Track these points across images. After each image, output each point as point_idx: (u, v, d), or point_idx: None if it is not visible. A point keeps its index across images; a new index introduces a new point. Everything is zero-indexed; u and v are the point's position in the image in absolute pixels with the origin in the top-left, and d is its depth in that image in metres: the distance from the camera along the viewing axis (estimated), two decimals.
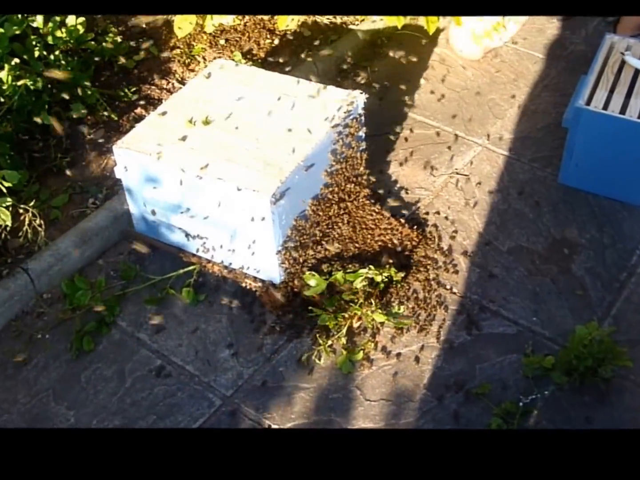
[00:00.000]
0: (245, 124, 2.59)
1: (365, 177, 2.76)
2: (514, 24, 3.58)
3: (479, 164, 3.14)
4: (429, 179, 3.08)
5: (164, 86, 3.25)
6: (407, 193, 3.03)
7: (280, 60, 3.28)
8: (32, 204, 2.75)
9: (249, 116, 2.62)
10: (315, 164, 2.51)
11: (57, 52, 3.00)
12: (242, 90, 2.73)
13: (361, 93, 2.68)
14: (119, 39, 3.21)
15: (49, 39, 3.00)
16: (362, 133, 2.71)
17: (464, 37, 3.57)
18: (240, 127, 2.58)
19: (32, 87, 2.88)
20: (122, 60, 3.19)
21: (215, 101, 2.69)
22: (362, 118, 2.70)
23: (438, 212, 2.95)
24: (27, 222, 2.72)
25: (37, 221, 2.73)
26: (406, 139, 3.25)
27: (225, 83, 2.77)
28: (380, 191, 2.96)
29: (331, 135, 2.57)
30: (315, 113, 2.61)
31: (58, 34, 3.06)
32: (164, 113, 2.66)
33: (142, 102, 3.18)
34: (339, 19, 3.66)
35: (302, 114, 2.61)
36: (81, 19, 3.15)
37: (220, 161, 2.46)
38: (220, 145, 2.52)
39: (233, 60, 3.29)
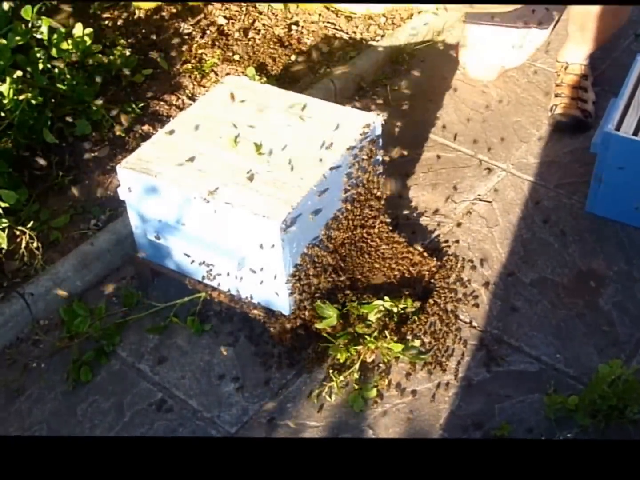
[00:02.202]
0: (255, 145, 2.46)
1: (382, 202, 2.62)
2: (531, 44, 3.43)
3: (502, 190, 2.99)
4: (450, 206, 2.94)
5: (174, 102, 3.12)
6: (426, 220, 2.89)
7: (297, 77, 3.15)
8: (31, 224, 2.61)
9: (260, 137, 2.48)
10: (329, 189, 2.37)
11: (62, 65, 2.87)
12: (254, 109, 2.59)
13: (379, 114, 2.54)
14: (127, 52, 3.07)
15: (54, 52, 2.87)
16: (379, 156, 2.57)
17: (476, 58, 3.43)
18: (251, 148, 2.44)
19: (34, 102, 2.75)
20: (128, 72, 3.06)
21: (226, 120, 2.55)
22: (380, 140, 2.56)
23: (458, 241, 2.80)
24: (24, 244, 2.58)
25: (35, 243, 2.59)
26: (427, 163, 3.11)
27: (238, 101, 2.63)
28: (399, 217, 2.82)
29: (347, 159, 2.43)
30: (331, 135, 2.47)
31: (64, 45, 2.93)
32: (171, 132, 2.53)
33: (150, 119, 3.03)
34: (358, 34, 3.52)
35: (317, 135, 2.47)
36: (88, 30, 3.03)
37: (229, 184, 2.32)
38: (229, 167, 2.38)
39: (246, 75, 3.15)
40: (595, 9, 3.02)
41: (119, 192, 2.49)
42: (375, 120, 2.52)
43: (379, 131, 2.54)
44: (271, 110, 2.58)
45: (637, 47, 3.58)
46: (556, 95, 3.31)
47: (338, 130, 2.48)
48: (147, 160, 2.43)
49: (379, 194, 2.59)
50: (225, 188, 2.31)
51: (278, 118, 2.55)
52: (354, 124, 2.50)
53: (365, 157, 2.49)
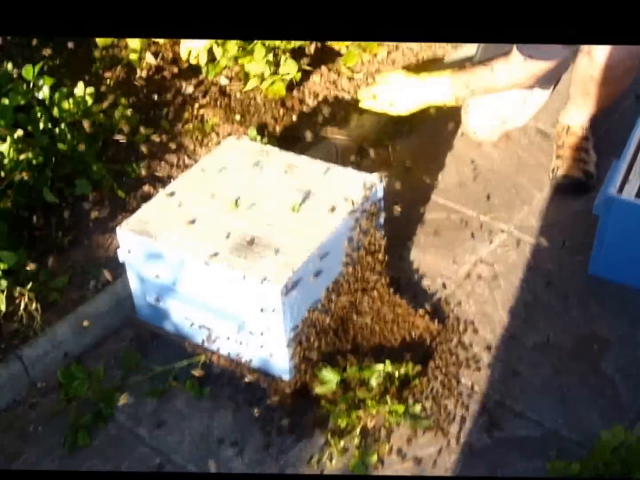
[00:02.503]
0: (257, 208, 2.45)
1: (384, 264, 2.60)
2: (532, 105, 3.42)
3: (504, 252, 2.98)
4: (451, 267, 2.92)
5: (175, 162, 3.11)
6: (428, 282, 2.87)
7: (298, 137, 3.15)
8: (29, 285, 2.59)
9: (261, 199, 2.47)
10: (330, 252, 2.35)
11: (62, 125, 2.87)
12: (255, 170, 2.59)
13: (381, 176, 2.53)
14: (129, 112, 3.06)
15: (55, 111, 2.86)
16: (381, 218, 2.56)
17: (477, 119, 3.42)
18: (252, 210, 2.43)
19: (34, 162, 2.74)
20: (129, 132, 3.05)
21: (227, 182, 2.55)
22: (382, 203, 2.55)
23: (460, 303, 2.78)
24: (22, 305, 2.56)
25: (34, 305, 2.57)
26: (429, 224, 3.10)
27: (238, 162, 2.63)
28: (400, 279, 2.80)
29: (349, 221, 2.41)
30: (333, 197, 2.46)
31: (65, 105, 2.93)
32: (172, 193, 2.52)
33: (150, 179, 3.03)
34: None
35: (318, 197, 2.47)
36: (90, 90, 3.03)
37: (230, 248, 2.31)
38: (229, 230, 2.37)
39: (247, 136, 3.14)
40: (598, 74, 3.02)
41: (119, 254, 2.47)
42: (377, 181, 2.51)
43: (381, 193, 2.53)
44: (272, 172, 2.58)
45: (638, 108, 3.57)
46: (558, 157, 3.31)
47: (340, 192, 2.47)
48: (147, 221, 2.42)
49: (380, 256, 2.57)
50: (226, 251, 2.29)
51: (279, 180, 2.54)
52: (356, 186, 2.49)
53: (367, 219, 2.47)
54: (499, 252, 2.98)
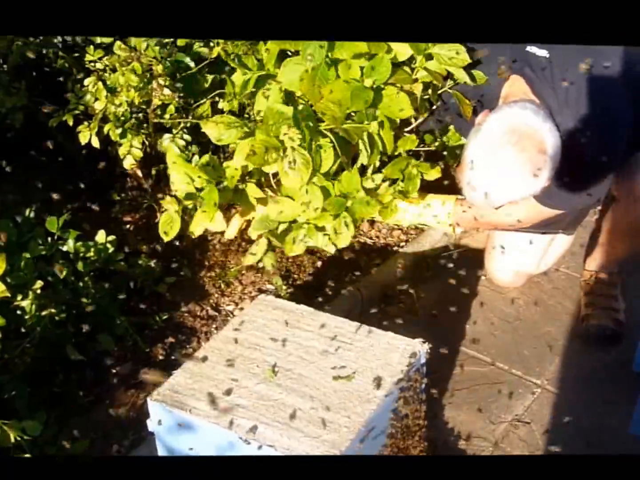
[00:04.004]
0: (295, 376, 2.34)
1: (423, 430, 2.49)
2: (556, 249, 3.34)
3: (540, 408, 2.87)
4: (487, 427, 2.80)
5: (198, 313, 3.01)
6: (464, 443, 2.75)
7: (322, 285, 3.06)
8: (48, 450, 2.45)
9: (298, 366, 2.37)
10: (375, 426, 2.24)
11: (86, 278, 2.77)
12: (290, 333, 2.49)
13: (424, 342, 2.44)
14: (152, 263, 2.97)
15: (80, 266, 2.77)
16: (423, 385, 2.45)
17: (501, 264, 3.35)
18: (290, 379, 2.33)
19: (57, 318, 2.63)
20: (151, 282, 2.96)
21: (261, 346, 2.44)
22: (424, 369, 2.45)
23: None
24: None
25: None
26: (460, 378, 2.99)
27: (272, 324, 2.53)
28: (436, 441, 2.68)
29: (395, 392, 2.31)
30: (374, 365, 2.36)
31: (87, 254, 2.84)
32: (204, 359, 2.41)
33: (173, 331, 2.92)
34: (382, 239, 3.46)
35: (359, 366, 2.37)
36: (111, 237, 2.94)
37: (270, 423, 2.19)
38: (269, 402, 2.26)
39: (272, 284, 3.06)
40: (624, 229, 2.96)
41: (148, 424, 2.36)
42: (420, 347, 2.41)
43: (423, 359, 2.43)
44: (309, 336, 2.48)
45: None
46: (586, 305, 3.23)
47: (382, 360, 2.37)
48: (179, 391, 2.31)
49: (421, 422, 2.46)
50: (266, 427, 2.18)
51: (316, 345, 2.45)
52: (398, 353, 2.40)
53: (411, 389, 2.37)
54: (534, 409, 2.87)
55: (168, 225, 2.71)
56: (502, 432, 2.80)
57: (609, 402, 2.89)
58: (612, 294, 3.23)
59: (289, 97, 2.74)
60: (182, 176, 2.67)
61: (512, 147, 2.54)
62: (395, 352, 2.40)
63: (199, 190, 2.66)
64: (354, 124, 2.65)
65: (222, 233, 3.15)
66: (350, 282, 3.21)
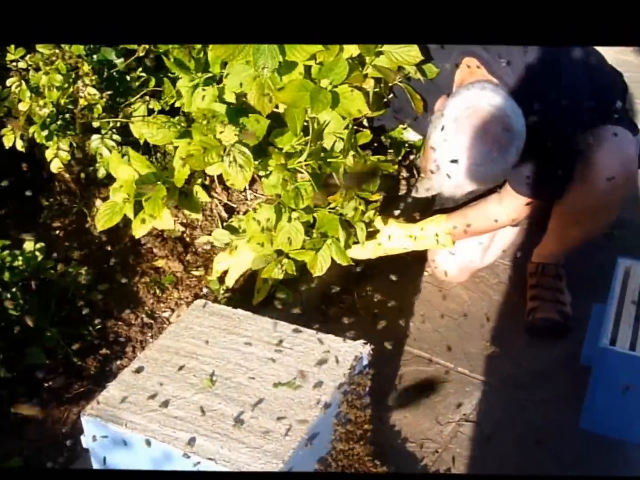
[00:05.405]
0: (234, 385, 2.25)
1: (369, 434, 2.41)
2: (500, 241, 3.29)
3: (488, 407, 2.81)
4: (435, 428, 2.73)
5: (133, 321, 2.90)
6: (412, 446, 2.67)
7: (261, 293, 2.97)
8: None
9: (237, 374, 2.28)
10: (319, 433, 2.15)
11: (13, 289, 2.64)
12: (229, 340, 2.40)
13: (366, 344, 2.36)
14: (83, 270, 2.85)
15: (6, 276, 2.64)
16: (367, 387, 2.37)
17: (445, 259, 3.28)
18: (229, 388, 2.24)
19: None
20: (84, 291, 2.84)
21: (198, 355, 2.35)
22: (368, 370, 2.37)
23: (449, 469, 2.59)
24: None
25: None
26: (405, 379, 2.92)
27: (209, 331, 2.43)
28: (383, 445, 2.59)
29: (337, 397, 2.22)
30: (315, 369, 2.28)
31: (15, 263, 2.71)
32: (138, 370, 2.30)
33: (107, 342, 2.81)
34: None
35: (301, 369, 2.27)
36: (39, 245, 2.81)
37: (210, 434, 2.10)
38: (207, 413, 2.16)
39: (209, 288, 2.96)
40: (574, 215, 2.90)
41: (82, 441, 2.25)
42: (362, 350, 2.33)
43: (366, 361, 2.36)
44: (248, 342, 2.39)
45: (605, 243, 3.45)
46: (532, 299, 3.17)
47: (323, 364, 2.29)
48: (114, 405, 2.20)
49: (366, 427, 2.38)
50: (205, 439, 2.08)
51: (256, 351, 2.36)
52: (340, 355, 2.31)
53: (354, 392, 2.29)
54: (482, 408, 2.81)
55: (109, 215, 2.60)
56: (450, 433, 2.73)
57: (558, 397, 2.85)
58: (558, 286, 3.18)
59: (238, 100, 2.66)
60: (128, 170, 2.59)
61: (477, 127, 2.50)
62: (337, 355, 2.32)
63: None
64: (330, 159, 2.59)
65: (158, 236, 3.07)
66: (289, 283, 3.11)
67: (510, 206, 2.88)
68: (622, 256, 2.92)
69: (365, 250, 3.04)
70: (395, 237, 3.03)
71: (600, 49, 2.99)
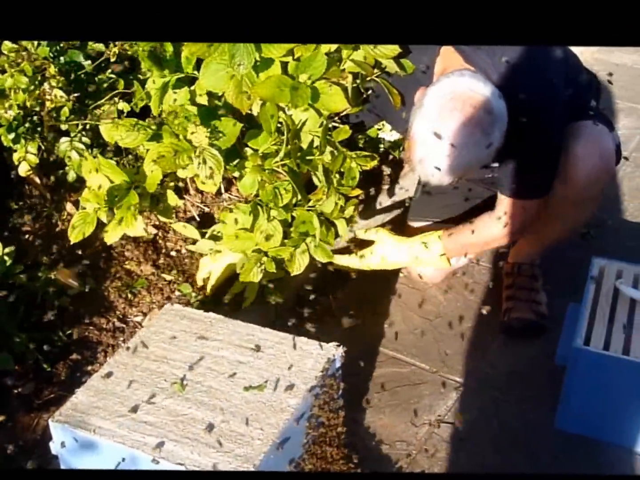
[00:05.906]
0: (205, 389, 2.22)
1: (343, 436, 2.38)
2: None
3: (463, 408, 2.79)
4: (410, 430, 2.71)
5: (104, 326, 2.85)
6: (387, 448, 2.65)
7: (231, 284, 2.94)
8: None
9: (208, 378, 2.25)
10: (291, 437, 2.13)
11: None
12: (200, 344, 2.37)
13: (339, 346, 2.33)
14: (53, 275, 2.81)
15: None
16: (340, 390, 2.35)
17: None
18: (200, 392, 2.21)
19: None
20: (53, 296, 2.80)
21: (169, 359, 2.32)
22: (340, 373, 2.34)
23: (424, 471, 2.56)
24: None
25: None
26: (380, 380, 2.89)
27: (180, 335, 2.40)
28: (357, 447, 2.57)
29: (308, 400, 2.20)
30: (287, 373, 2.25)
31: None
32: (108, 375, 2.27)
33: (78, 346, 2.77)
34: None
35: (271, 374, 2.25)
36: (8, 249, 2.78)
37: (180, 439, 2.06)
38: (178, 417, 2.13)
39: (181, 291, 2.93)
40: (553, 212, 2.89)
41: (51, 447, 2.22)
42: (335, 352, 2.31)
43: (339, 363, 2.33)
44: (219, 346, 2.36)
45: (581, 243, 3.45)
46: (508, 299, 3.16)
47: (295, 367, 2.26)
48: (83, 411, 2.17)
49: (339, 429, 2.36)
50: (175, 444, 2.05)
51: (227, 355, 2.33)
52: (312, 358, 2.29)
53: (326, 394, 2.26)
54: (457, 409, 2.78)
55: (81, 226, 2.56)
56: (425, 434, 2.70)
57: (533, 397, 2.83)
58: (534, 286, 3.17)
59: (210, 102, 2.63)
60: (99, 178, 2.55)
61: (459, 113, 2.49)
62: (309, 358, 2.30)
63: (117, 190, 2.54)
64: (309, 157, 2.57)
65: (130, 239, 3.04)
66: (262, 286, 3.08)
67: (505, 217, 2.84)
68: (597, 256, 2.91)
69: (360, 264, 3.04)
70: (388, 259, 3.04)
71: (579, 49, 2.99)
